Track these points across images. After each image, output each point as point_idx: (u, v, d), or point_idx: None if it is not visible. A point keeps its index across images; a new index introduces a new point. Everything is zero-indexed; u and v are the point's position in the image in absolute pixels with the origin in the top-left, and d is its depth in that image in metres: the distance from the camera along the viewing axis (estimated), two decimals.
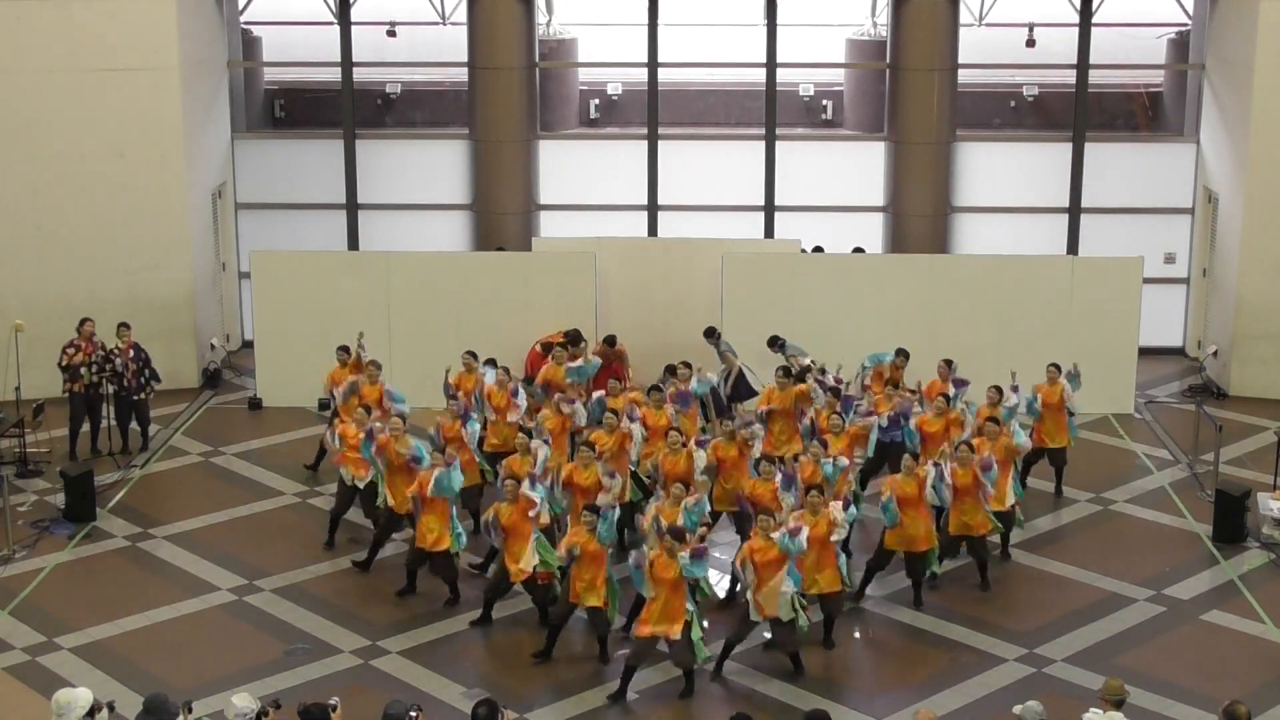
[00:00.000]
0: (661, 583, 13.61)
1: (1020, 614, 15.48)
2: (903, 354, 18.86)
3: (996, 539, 16.60)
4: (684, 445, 15.96)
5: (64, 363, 19.36)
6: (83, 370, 19.39)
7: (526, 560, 14.69)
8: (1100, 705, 11.69)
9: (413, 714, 10.94)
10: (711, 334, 20.32)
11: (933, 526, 15.57)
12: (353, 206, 24.48)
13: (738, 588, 14.98)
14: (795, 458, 16.07)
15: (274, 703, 11.23)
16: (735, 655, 14.30)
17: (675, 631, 13.64)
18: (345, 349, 18.64)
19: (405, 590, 15.77)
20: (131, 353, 19.62)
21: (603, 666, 14.30)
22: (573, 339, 19.65)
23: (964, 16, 24.11)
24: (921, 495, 15.37)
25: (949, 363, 18.16)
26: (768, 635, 14.38)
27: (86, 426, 19.67)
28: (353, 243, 24.47)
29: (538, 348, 20.26)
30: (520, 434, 16.34)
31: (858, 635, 15.18)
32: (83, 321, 19.57)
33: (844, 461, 15.77)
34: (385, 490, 16.19)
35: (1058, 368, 18.23)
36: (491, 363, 18.43)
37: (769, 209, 24.39)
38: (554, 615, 14.58)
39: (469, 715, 11.08)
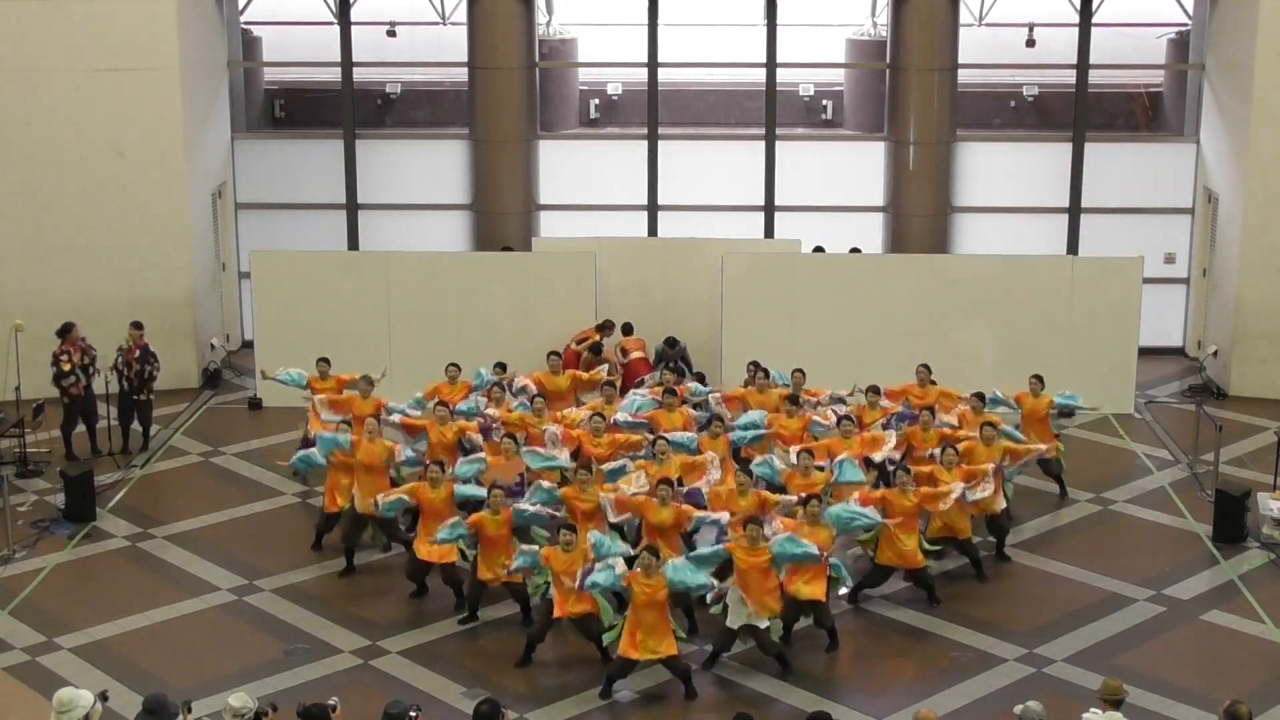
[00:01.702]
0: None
1: (1020, 614, 15.48)
2: (924, 368, 18.46)
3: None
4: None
5: (67, 368, 19.28)
6: (77, 373, 19.35)
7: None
8: (1100, 705, 11.71)
9: (413, 714, 10.96)
10: (673, 344, 20.45)
11: (921, 540, 15.56)
12: (353, 206, 24.48)
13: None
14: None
15: (272, 705, 11.23)
16: (734, 654, 14.30)
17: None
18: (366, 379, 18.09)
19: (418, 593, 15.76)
20: (138, 353, 19.60)
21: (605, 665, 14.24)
22: (603, 328, 20.40)
23: (964, 16, 24.11)
24: (915, 512, 15.38)
25: (927, 368, 18.23)
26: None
27: (80, 428, 19.66)
28: (353, 243, 24.47)
29: (573, 345, 20.26)
30: (507, 438, 16.38)
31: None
32: (68, 328, 19.46)
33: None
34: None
35: (1040, 380, 18.18)
36: (501, 366, 18.52)
37: (769, 209, 24.38)
38: (532, 632, 14.41)
39: (469, 715, 11.08)
